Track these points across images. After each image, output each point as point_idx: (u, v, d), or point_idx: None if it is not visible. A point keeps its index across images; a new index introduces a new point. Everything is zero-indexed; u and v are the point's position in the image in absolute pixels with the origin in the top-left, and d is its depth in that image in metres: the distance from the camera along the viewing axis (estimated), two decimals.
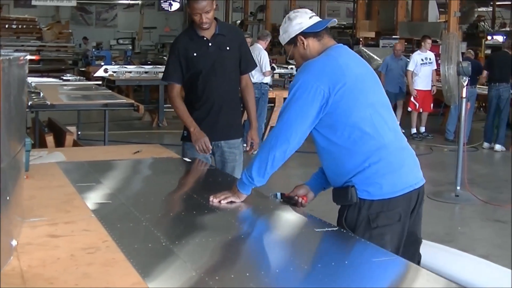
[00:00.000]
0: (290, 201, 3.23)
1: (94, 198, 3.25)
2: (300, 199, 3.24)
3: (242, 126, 4.68)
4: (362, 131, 2.95)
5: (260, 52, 10.44)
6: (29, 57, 2.92)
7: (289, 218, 3.07)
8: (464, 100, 7.91)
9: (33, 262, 2.32)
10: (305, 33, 3.13)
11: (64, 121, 8.45)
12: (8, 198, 2.28)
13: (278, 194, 3.31)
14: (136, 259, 2.36)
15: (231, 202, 3.15)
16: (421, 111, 12.54)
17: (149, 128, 13.09)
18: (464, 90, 7.83)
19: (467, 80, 7.78)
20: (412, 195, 3.02)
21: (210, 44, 4.43)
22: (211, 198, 3.16)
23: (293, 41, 3.17)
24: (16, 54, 2.62)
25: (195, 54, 4.42)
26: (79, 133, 9.81)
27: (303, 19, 3.15)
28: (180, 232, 2.79)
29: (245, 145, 4.68)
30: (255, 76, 10.23)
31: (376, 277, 2.37)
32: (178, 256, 2.43)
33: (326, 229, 2.79)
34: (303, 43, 3.14)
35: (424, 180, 3.14)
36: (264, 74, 10.48)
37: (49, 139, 6.94)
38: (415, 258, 3.07)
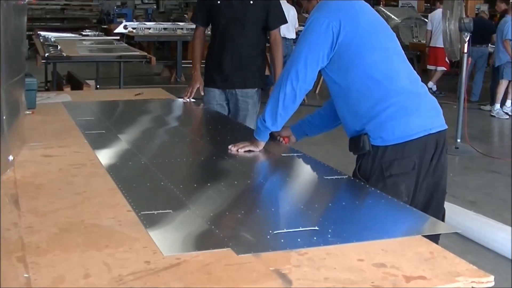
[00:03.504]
0: (273, 139, 3.30)
1: (90, 129, 3.58)
2: (281, 140, 3.35)
3: (265, 78, 4.90)
4: (374, 74, 2.87)
5: (289, 9, 10.99)
6: None
7: (296, 164, 3.12)
8: (465, 55, 8.16)
9: (26, 174, 2.68)
10: None
11: (84, 76, 8.77)
12: (4, 117, 2.62)
13: None
14: (116, 172, 2.71)
15: (249, 151, 3.13)
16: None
17: (167, 83, 13.39)
18: (466, 45, 8.07)
19: (468, 36, 8.00)
20: (428, 141, 2.86)
21: None
22: (229, 147, 3.14)
23: None
24: None
25: (218, 2, 4.69)
26: (97, 86, 10.14)
27: None
28: (159, 154, 3.15)
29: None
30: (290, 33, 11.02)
31: (374, 218, 2.36)
32: (154, 172, 2.77)
33: (336, 176, 2.77)
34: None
35: (446, 126, 2.98)
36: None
37: (67, 90, 7.27)
38: (441, 210, 2.95)
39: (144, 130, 3.80)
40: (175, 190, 2.51)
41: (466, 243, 4.84)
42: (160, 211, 2.25)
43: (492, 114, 10.97)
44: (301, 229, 2.11)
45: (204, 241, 2.00)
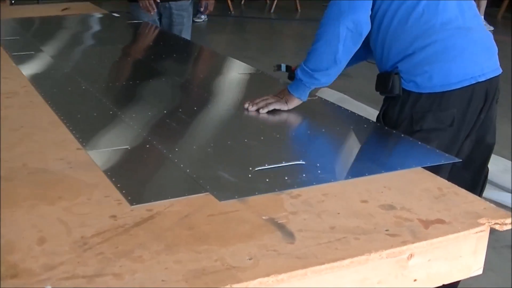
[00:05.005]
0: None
1: (17, 50, 3.18)
2: None
3: None
4: (409, 10, 2.26)
5: None
6: None
7: (256, 84, 2.75)
8: None
9: None
10: None
11: None
12: None
13: (283, 66, 2.68)
14: (55, 101, 2.34)
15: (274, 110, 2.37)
16: None
17: None
18: None
19: None
20: (475, 90, 2.27)
21: None
22: (246, 106, 2.37)
23: None
24: None
25: None
26: (12, 1, 9.49)
27: None
28: (101, 77, 2.78)
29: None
30: None
31: (362, 147, 2.12)
32: (99, 98, 2.42)
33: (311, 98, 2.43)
34: None
35: (500, 70, 2.37)
36: None
37: None
38: (482, 171, 2.45)
39: (80, 50, 3.40)
40: (128, 120, 2.17)
41: None
42: (116, 148, 1.92)
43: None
44: (284, 164, 1.81)
45: (175, 185, 1.68)
